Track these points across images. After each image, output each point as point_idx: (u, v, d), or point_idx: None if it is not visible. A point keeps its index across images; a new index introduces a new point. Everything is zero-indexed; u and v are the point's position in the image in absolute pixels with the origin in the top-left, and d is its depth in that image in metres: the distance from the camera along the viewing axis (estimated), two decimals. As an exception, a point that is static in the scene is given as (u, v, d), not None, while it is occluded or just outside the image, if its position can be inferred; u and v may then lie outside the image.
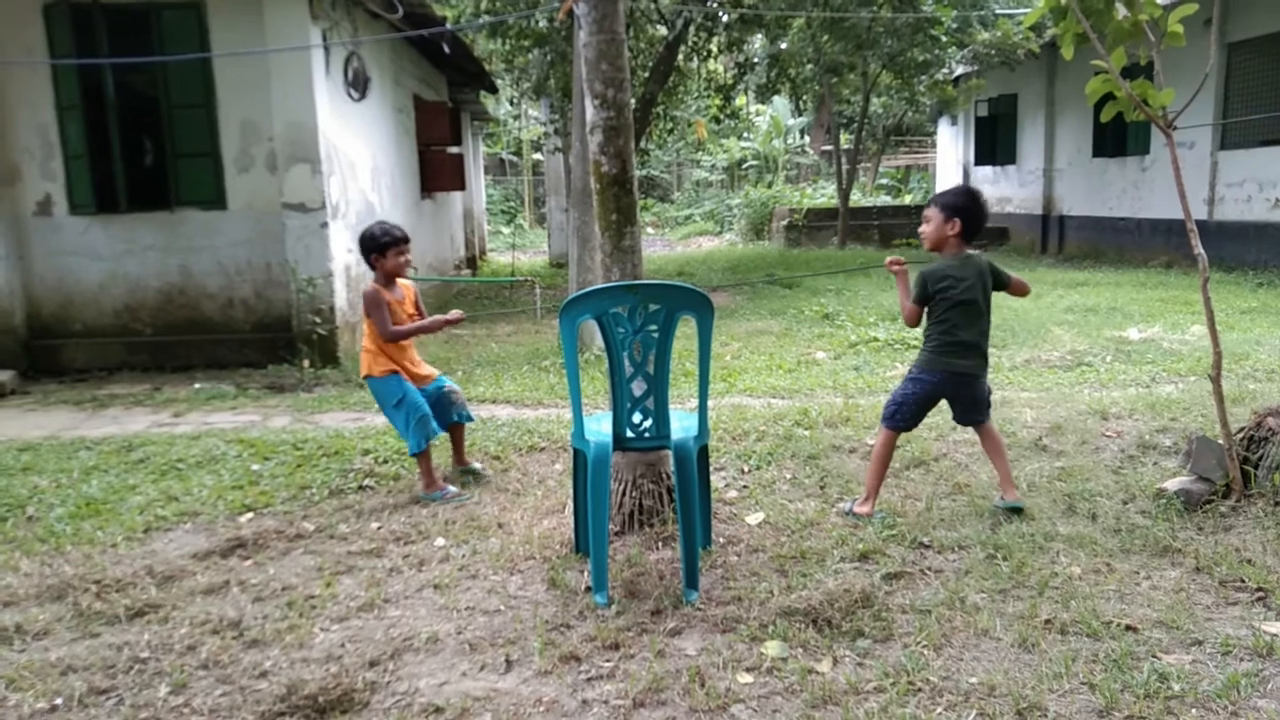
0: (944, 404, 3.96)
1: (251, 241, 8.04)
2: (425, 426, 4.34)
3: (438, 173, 12.39)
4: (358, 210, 8.94)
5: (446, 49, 11.01)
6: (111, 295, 8.17)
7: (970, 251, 3.85)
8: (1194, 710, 2.46)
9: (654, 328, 3.21)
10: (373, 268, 4.44)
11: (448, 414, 4.57)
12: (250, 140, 7.98)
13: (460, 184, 13.15)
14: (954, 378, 3.82)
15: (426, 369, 4.61)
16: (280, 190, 7.89)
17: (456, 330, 10.34)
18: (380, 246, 4.37)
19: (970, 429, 4.09)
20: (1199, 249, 3.76)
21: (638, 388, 3.29)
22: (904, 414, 3.88)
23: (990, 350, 7.59)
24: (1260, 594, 3.09)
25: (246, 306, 8.20)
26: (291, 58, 7.70)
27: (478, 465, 4.74)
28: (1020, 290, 3.94)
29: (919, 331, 3.89)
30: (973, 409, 3.93)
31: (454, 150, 13.63)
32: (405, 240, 4.42)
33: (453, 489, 4.42)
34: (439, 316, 4.48)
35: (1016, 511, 3.81)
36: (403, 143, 11.28)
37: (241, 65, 7.77)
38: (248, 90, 7.82)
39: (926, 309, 3.84)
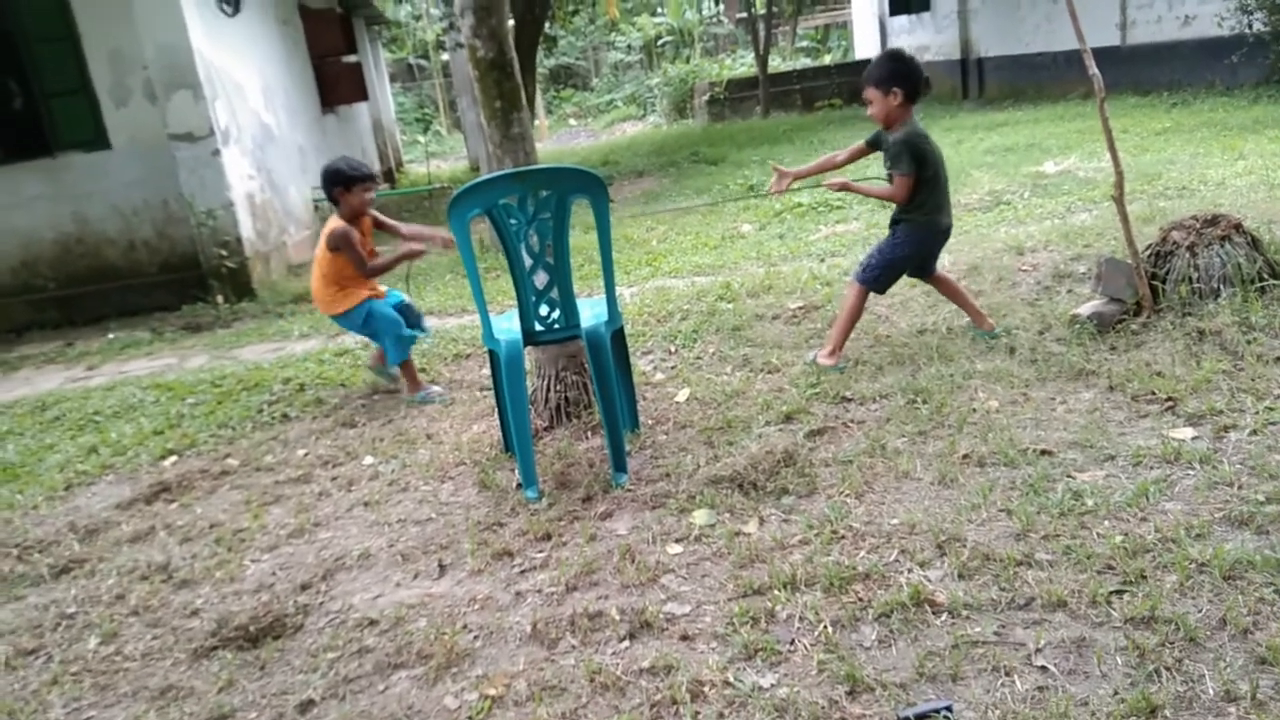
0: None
1: (143, 179, 7.65)
2: (402, 339, 4.42)
3: (336, 85, 11.84)
4: (252, 134, 8.52)
5: None
6: (4, 252, 7.77)
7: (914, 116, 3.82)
8: (1106, 522, 2.53)
9: (547, 215, 3.11)
10: (335, 203, 4.32)
11: (415, 322, 4.65)
12: (123, 70, 7.49)
13: (362, 94, 12.60)
14: (941, 234, 3.92)
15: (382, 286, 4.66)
16: (164, 121, 7.47)
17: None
18: (345, 180, 4.26)
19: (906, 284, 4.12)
20: (1093, 69, 3.72)
21: (540, 280, 3.21)
22: (891, 277, 3.97)
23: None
24: (1169, 403, 3.17)
25: (150, 248, 7.86)
26: (151, -25, 7.17)
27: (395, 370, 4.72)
28: None
29: (842, 195, 3.81)
30: (933, 260, 4.05)
31: (351, 59, 12.99)
32: (372, 178, 4.35)
33: (436, 389, 4.48)
34: (412, 247, 4.38)
35: (995, 338, 3.95)
36: (294, 57, 10.70)
37: (99, -12, 7.23)
38: (110, 15, 7.30)
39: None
